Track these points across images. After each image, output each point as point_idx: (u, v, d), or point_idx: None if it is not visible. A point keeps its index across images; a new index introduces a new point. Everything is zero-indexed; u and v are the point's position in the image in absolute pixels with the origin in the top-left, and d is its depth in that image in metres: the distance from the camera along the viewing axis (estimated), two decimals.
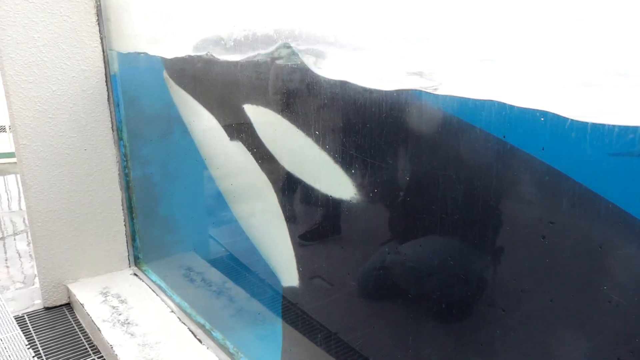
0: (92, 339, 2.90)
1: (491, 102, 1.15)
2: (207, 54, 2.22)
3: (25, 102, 2.91)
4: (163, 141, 3.57)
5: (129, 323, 2.82)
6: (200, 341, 2.63)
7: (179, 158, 3.64)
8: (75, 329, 3.01)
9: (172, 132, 3.64)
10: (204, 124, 2.34)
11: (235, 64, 1.99)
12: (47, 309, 3.27)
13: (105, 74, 3.19)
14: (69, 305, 3.30)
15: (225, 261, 3.51)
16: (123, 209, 3.41)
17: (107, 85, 3.20)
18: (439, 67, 1.25)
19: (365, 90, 1.42)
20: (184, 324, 2.80)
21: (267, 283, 3.19)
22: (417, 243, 1.42)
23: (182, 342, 2.65)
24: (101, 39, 3.11)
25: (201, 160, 3.93)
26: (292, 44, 1.60)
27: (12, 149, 7.26)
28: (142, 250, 3.56)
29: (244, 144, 1.92)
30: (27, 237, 5.14)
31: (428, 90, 1.25)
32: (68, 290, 3.27)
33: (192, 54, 2.42)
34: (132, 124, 3.39)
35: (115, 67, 3.24)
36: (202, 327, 2.75)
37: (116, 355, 2.53)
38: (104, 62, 3.17)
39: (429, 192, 1.35)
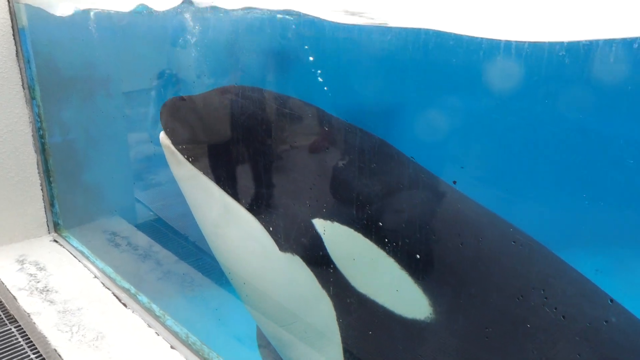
0: (8, 308, 2.75)
1: None
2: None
3: None
4: (84, 104, 3.38)
5: (48, 290, 2.70)
6: (125, 305, 2.57)
7: (102, 122, 3.47)
8: None
9: (95, 95, 3.45)
10: (238, 228, 1.66)
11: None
12: None
13: (12, 27, 2.94)
14: None
15: (152, 225, 3.42)
16: (39, 173, 3.22)
17: (14, 39, 2.96)
18: None
19: None
20: (108, 289, 2.72)
21: (196, 246, 3.15)
22: None
23: (106, 307, 2.57)
24: None
25: (126, 123, 3.77)
26: None
27: None
28: (62, 216, 3.40)
29: (305, 261, 1.53)
30: None
31: None
32: None
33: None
34: (48, 84, 3.17)
35: (24, 20, 3.00)
36: (127, 291, 2.67)
37: (34, 323, 2.42)
38: (10, 14, 2.92)
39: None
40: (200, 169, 1.61)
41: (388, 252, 1.34)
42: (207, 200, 1.67)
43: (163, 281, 2.80)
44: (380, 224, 1.34)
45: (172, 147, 1.64)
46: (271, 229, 1.52)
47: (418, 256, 1.31)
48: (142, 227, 3.32)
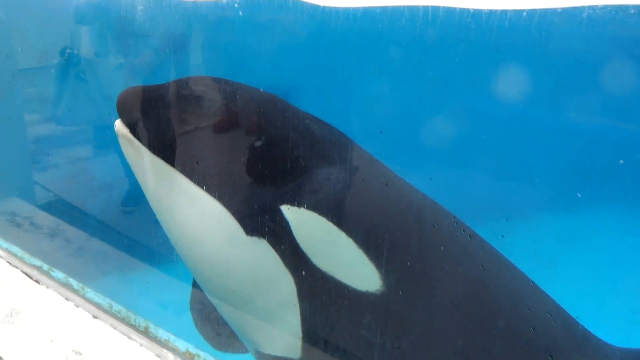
0: None
1: None
2: None
3: None
4: None
5: None
6: (37, 282, 2.53)
7: None
8: None
9: None
10: (199, 211, 1.64)
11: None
12: None
13: None
14: None
15: (55, 204, 3.33)
16: None
17: None
18: None
19: None
20: (16, 267, 2.64)
21: (106, 225, 3.14)
22: None
23: (16, 285, 2.51)
24: None
25: (20, 102, 3.59)
26: None
27: None
28: None
29: (270, 243, 1.60)
30: None
31: None
32: None
33: None
34: None
35: None
36: (38, 268, 2.62)
37: None
38: None
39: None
40: (161, 156, 1.59)
41: (348, 233, 1.54)
42: (169, 188, 1.64)
43: (76, 257, 2.78)
44: (342, 209, 1.55)
45: (130, 135, 1.60)
46: (238, 214, 1.57)
47: (372, 236, 1.56)
48: (45, 207, 3.23)
